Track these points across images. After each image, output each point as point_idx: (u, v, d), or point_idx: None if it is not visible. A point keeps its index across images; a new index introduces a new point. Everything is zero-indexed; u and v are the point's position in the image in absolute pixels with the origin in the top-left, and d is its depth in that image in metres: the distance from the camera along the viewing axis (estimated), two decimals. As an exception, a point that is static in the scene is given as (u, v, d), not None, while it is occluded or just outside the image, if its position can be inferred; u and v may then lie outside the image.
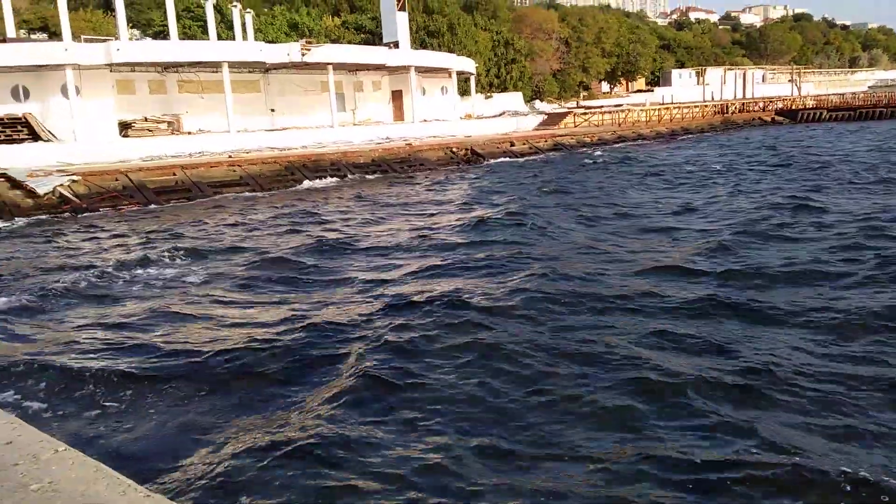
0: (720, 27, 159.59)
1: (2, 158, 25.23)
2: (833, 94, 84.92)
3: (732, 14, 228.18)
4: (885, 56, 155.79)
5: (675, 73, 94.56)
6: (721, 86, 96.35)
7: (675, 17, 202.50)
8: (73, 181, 23.44)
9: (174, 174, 26.28)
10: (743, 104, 75.04)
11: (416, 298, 9.81)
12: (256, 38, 42.64)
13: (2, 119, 29.64)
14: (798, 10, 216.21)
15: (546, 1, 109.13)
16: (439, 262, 12.47)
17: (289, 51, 36.72)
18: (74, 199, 22.81)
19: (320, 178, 29.82)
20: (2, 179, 22.73)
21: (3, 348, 8.47)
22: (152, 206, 23.83)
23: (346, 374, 7.20)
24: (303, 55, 36.70)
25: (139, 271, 12.82)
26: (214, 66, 35.23)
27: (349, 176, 30.86)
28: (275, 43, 41.29)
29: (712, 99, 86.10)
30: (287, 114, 41.65)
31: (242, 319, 9.55)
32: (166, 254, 14.06)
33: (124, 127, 33.29)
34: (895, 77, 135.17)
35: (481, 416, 6.16)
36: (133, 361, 7.86)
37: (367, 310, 9.56)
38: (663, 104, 71.64)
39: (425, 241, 14.83)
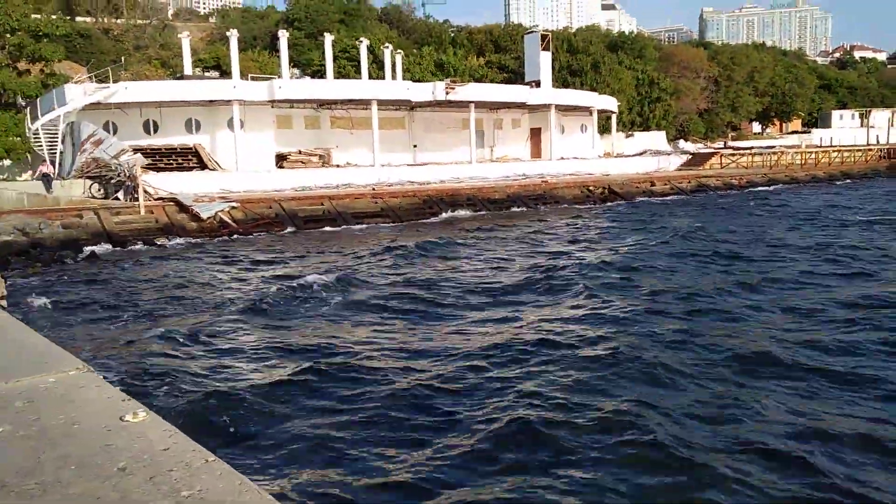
0: (889, 66, 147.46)
1: (173, 184, 27.91)
2: None
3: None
4: None
5: (835, 114, 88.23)
6: (889, 129, 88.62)
7: (837, 55, 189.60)
8: (233, 207, 25.48)
9: (322, 204, 27.88)
10: (915, 149, 68.50)
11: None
12: (404, 77, 44.61)
13: (176, 149, 32.87)
14: None
15: (695, 39, 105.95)
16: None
17: (434, 90, 38.10)
18: (232, 223, 24.76)
19: (454, 210, 30.47)
20: (171, 203, 25.14)
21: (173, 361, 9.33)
22: (301, 231, 25.37)
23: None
24: (447, 94, 37.92)
25: (294, 294, 13.72)
26: (364, 103, 37.20)
27: (483, 211, 31.28)
28: (421, 82, 43.00)
29: (877, 142, 79.36)
30: (428, 149, 43.03)
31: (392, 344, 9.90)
32: (318, 279, 14.94)
33: (280, 159, 35.81)
34: None
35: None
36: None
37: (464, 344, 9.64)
38: (821, 146, 66.96)
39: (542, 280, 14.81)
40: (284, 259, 19.13)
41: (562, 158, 45.23)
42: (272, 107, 35.89)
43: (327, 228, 26.22)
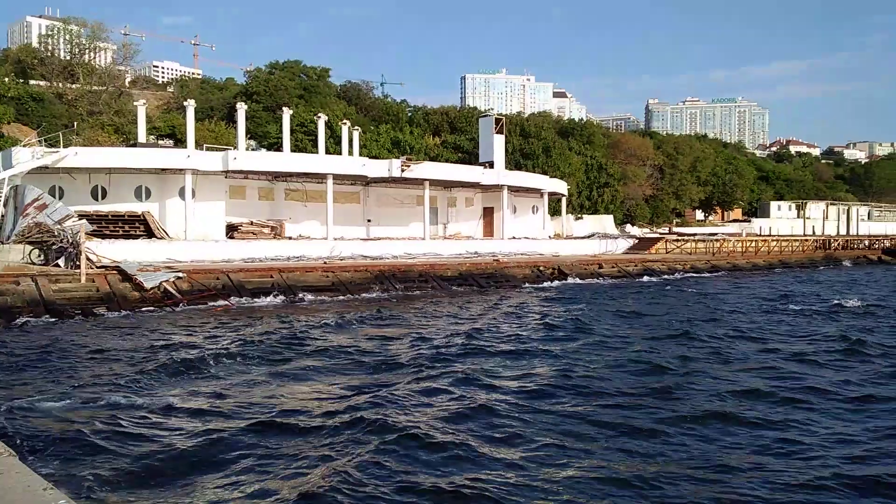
0: (822, 161, 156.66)
1: (118, 252, 27.24)
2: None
3: (835, 149, 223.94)
4: None
5: (773, 204, 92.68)
6: (823, 220, 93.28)
7: (774, 149, 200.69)
8: (179, 277, 24.90)
9: (271, 276, 27.50)
10: (847, 241, 72.07)
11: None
12: (361, 153, 45.26)
13: (123, 215, 32.28)
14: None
15: (641, 129, 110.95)
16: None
17: (390, 166, 38.67)
18: (177, 294, 24.14)
19: (406, 285, 30.42)
20: (114, 272, 24.45)
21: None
22: (248, 304, 24.85)
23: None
24: (403, 171, 38.51)
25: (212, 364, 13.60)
26: (320, 177, 37.44)
27: (435, 287, 31.31)
28: (378, 158, 43.64)
29: (813, 233, 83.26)
30: (382, 224, 43.30)
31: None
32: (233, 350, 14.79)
33: (231, 229, 35.45)
34: None
35: None
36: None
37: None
38: (761, 235, 69.80)
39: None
40: (219, 330, 18.66)
41: (513, 238, 45.99)
42: (226, 177, 35.78)
43: (272, 301, 25.76)
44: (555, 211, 56.14)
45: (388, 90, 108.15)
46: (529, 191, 49.50)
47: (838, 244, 68.61)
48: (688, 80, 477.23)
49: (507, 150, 51.73)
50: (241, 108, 38.01)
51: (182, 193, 33.50)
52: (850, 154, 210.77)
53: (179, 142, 44.68)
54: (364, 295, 28.33)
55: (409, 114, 70.09)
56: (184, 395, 11.40)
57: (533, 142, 61.14)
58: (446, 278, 32.82)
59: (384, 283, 30.36)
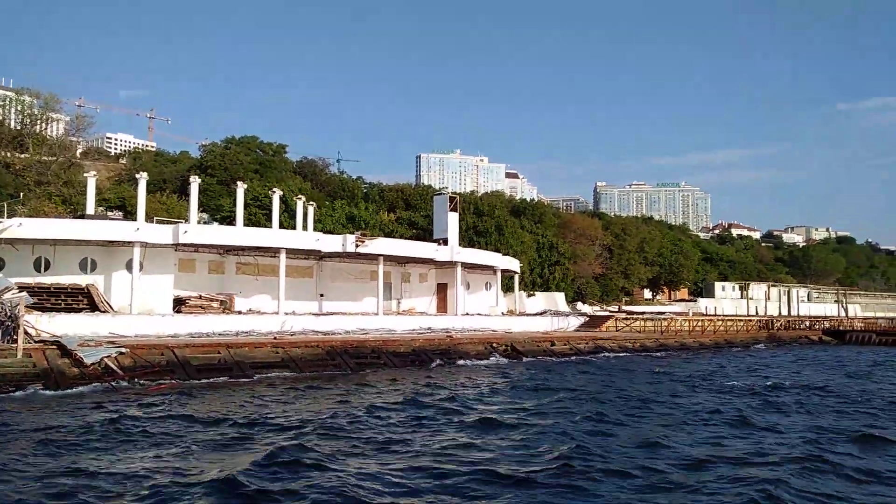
0: (763, 244, 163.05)
1: (59, 326, 26.25)
2: (881, 318, 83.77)
3: (775, 232, 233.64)
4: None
5: (718, 285, 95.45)
6: (765, 301, 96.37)
7: (717, 231, 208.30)
8: (121, 353, 24.03)
9: (219, 352, 26.76)
10: (789, 321, 74.33)
11: None
12: (316, 228, 45.27)
13: (66, 288, 31.28)
14: (841, 233, 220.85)
15: (590, 210, 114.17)
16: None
17: (344, 242, 38.71)
18: (118, 371, 23.22)
19: (358, 361, 29.93)
20: (54, 346, 23.48)
21: None
22: (191, 382, 24.02)
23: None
24: (357, 246, 38.57)
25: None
26: (273, 251, 37.17)
27: (387, 365, 30.88)
28: (332, 233, 43.69)
29: (756, 313, 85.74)
30: (335, 299, 42.95)
31: None
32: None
33: (179, 303, 34.63)
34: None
35: None
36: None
37: None
38: (706, 315, 71.47)
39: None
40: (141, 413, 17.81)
41: (467, 314, 46.05)
42: (176, 250, 35.23)
43: (222, 379, 24.98)
44: (508, 288, 56.64)
45: (345, 167, 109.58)
46: (483, 268, 49.99)
47: (781, 325, 70.64)
48: (634, 165, 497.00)
49: (460, 228, 52.47)
50: (195, 182, 37.87)
51: (129, 266, 32.76)
52: (788, 238, 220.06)
53: (129, 214, 44.00)
54: (315, 372, 27.75)
55: (365, 190, 70.85)
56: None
57: (486, 220, 62.20)
58: (399, 354, 32.46)
59: (336, 359, 29.84)
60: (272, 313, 36.13)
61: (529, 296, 59.09)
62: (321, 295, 42.73)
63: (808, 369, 36.32)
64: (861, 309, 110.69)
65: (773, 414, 19.69)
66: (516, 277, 55.04)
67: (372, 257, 40.70)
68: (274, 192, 42.32)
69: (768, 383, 27.68)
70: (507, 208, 75.16)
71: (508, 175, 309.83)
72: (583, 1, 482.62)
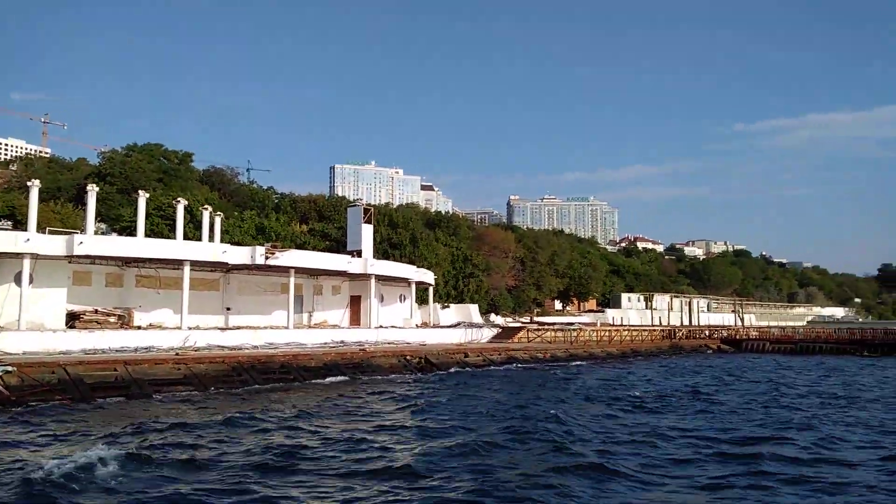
0: (666, 257, 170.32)
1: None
2: (774, 327, 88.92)
3: (677, 246, 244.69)
4: (821, 294, 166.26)
5: (624, 296, 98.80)
6: (668, 311, 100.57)
7: (623, 244, 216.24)
8: (7, 372, 22.31)
9: (115, 370, 25.29)
10: (690, 330, 77.66)
11: None
12: (223, 239, 43.72)
13: (-55, 302, 28.85)
14: (738, 247, 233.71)
15: (504, 223, 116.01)
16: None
17: (253, 254, 37.56)
18: (4, 391, 21.54)
19: (265, 376, 28.99)
20: (-72, 365, 21.53)
21: None
22: (85, 401, 22.56)
23: None
24: (267, 258, 37.50)
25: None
26: (176, 263, 35.61)
27: (297, 379, 30.06)
28: (241, 245, 42.36)
29: (660, 323, 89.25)
30: (243, 313, 41.61)
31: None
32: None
33: (72, 318, 32.62)
34: (831, 314, 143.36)
35: None
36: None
37: None
38: (613, 325, 73.76)
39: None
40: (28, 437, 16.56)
41: (381, 327, 45.61)
42: (70, 262, 33.20)
43: (119, 398, 23.59)
44: (422, 300, 56.54)
45: (255, 176, 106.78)
46: (397, 280, 49.71)
47: (682, 334, 73.70)
48: (546, 180, 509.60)
49: (375, 240, 52.04)
50: (92, 190, 35.90)
51: (18, 279, 30.60)
52: (689, 251, 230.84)
53: (20, 223, 41.14)
54: (220, 388, 26.66)
55: (276, 201, 69.15)
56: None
57: (401, 232, 61.96)
58: (310, 369, 31.69)
59: (243, 374, 28.80)
60: (174, 328, 34.60)
61: (444, 308, 59.23)
62: (228, 308, 41.30)
63: (701, 377, 38.03)
64: (756, 318, 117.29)
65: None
66: (431, 289, 55.05)
67: (283, 270, 39.70)
68: (178, 201, 40.63)
69: (636, 393, 28.33)
70: (423, 220, 75.21)
71: (424, 187, 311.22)
72: (494, 22, 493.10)
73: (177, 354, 28.89)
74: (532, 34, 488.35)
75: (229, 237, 47.71)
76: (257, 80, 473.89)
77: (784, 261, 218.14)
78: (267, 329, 38.47)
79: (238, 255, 37.57)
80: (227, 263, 37.50)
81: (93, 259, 34.18)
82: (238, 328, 37.80)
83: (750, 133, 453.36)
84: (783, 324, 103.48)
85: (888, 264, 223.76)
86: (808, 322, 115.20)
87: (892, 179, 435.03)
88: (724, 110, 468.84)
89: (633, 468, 13.82)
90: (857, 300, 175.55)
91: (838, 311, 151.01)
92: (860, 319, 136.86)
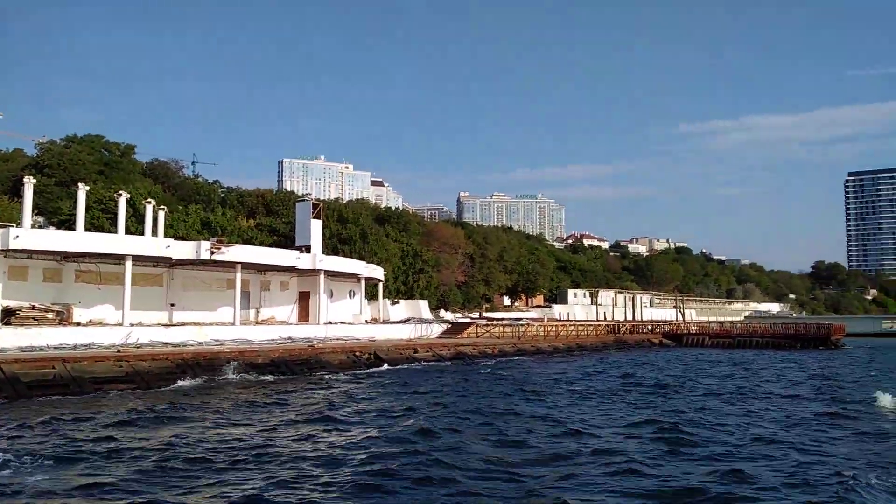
0: (611, 254, 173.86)
1: None
2: (713, 322, 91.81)
3: (622, 243, 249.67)
4: (758, 290, 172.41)
5: (570, 292, 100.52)
6: (613, 307, 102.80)
7: (570, 241, 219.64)
8: (-65, 369, 21.44)
9: (54, 367, 24.54)
10: (633, 326, 79.63)
11: None
12: (167, 234, 42.72)
13: None
14: (679, 244, 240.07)
15: (454, 219, 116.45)
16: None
17: (198, 248, 36.90)
18: (-69, 389, 20.69)
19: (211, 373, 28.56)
20: None
21: None
22: (22, 400, 21.85)
23: None
24: (212, 253, 36.89)
25: None
26: (118, 258, 34.71)
27: (246, 376, 29.71)
28: (185, 239, 41.48)
29: (605, 318, 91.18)
30: (188, 309, 40.82)
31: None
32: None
33: (8, 314, 31.48)
34: (768, 309, 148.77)
35: None
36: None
37: None
38: (560, 321, 75.01)
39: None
40: None
41: (330, 323, 45.37)
42: (5, 257, 32.02)
43: (57, 396, 22.93)
44: (372, 295, 56.40)
45: (200, 170, 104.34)
46: (347, 276, 49.49)
47: (626, 328, 75.54)
48: (496, 177, 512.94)
49: (324, 235, 51.69)
50: (29, 182, 34.63)
51: (-53, 273, 29.38)
52: (633, 248, 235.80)
53: (-51, 215, 39.41)
54: (164, 386, 26.16)
55: (223, 195, 67.82)
56: None
57: (350, 227, 61.62)
58: (257, 365, 31.34)
59: (187, 372, 28.30)
60: (116, 324, 33.75)
61: (394, 303, 59.25)
62: (172, 304, 40.46)
63: (642, 369, 39.15)
64: (696, 314, 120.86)
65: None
66: (381, 285, 54.99)
67: (229, 265, 39.11)
68: (120, 194, 39.58)
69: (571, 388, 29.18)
70: (373, 216, 74.93)
71: (374, 183, 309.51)
72: (448, 18, 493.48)
73: (118, 351, 28.19)
74: (484, 32, 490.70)
75: (173, 231, 46.65)
76: (204, 73, 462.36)
77: (723, 258, 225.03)
78: (213, 325, 37.84)
79: (182, 249, 36.84)
80: (171, 258, 36.73)
81: (30, 253, 33.02)
82: (183, 324, 37.07)
83: (692, 134, 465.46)
84: (722, 319, 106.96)
85: (821, 262, 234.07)
86: (745, 317, 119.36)
87: (821, 180, 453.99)
88: (669, 110, 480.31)
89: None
90: (792, 296, 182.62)
91: (774, 307, 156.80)
92: (794, 315, 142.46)
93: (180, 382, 26.90)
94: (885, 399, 23.98)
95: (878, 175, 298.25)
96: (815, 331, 71.36)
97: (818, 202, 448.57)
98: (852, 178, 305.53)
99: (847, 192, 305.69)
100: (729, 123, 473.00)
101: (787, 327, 75.76)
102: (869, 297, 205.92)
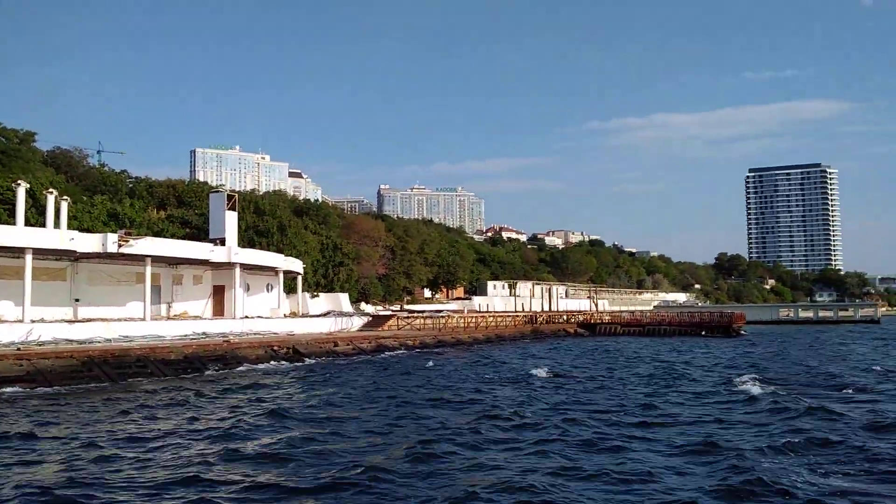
0: (529, 246, 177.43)
1: None
2: (625, 311, 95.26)
3: (539, 236, 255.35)
4: (666, 280, 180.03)
5: (490, 284, 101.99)
6: (530, 298, 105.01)
7: (489, 234, 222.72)
8: None
9: (-56, 367, 22.96)
10: (549, 316, 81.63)
11: None
12: (71, 226, 40.54)
13: None
14: (593, 237, 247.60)
15: (374, 212, 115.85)
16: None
17: (105, 241, 35.28)
18: None
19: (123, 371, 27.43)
20: None
21: None
22: None
23: None
24: (120, 246, 35.34)
25: None
26: (16, 252, 32.75)
27: (154, 374, 28.66)
28: (91, 231, 39.53)
29: (523, 309, 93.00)
30: (94, 304, 38.99)
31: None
32: None
33: None
34: (675, 299, 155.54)
35: None
36: None
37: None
38: (479, 312, 76.03)
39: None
40: None
41: (246, 317, 44.33)
42: None
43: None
44: (291, 289, 55.43)
45: (107, 159, 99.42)
46: (264, 269, 48.45)
47: (543, 319, 77.32)
48: (416, 169, 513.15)
49: (240, 227, 50.35)
50: (-86, 169, 32.15)
51: None
52: (550, 241, 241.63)
53: None
54: (68, 385, 24.91)
55: (131, 185, 64.92)
56: None
57: (268, 219, 60.29)
58: (169, 362, 30.30)
59: (94, 370, 27.06)
60: (15, 321, 31.85)
61: (313, 297, 58.42)
62: (77, 300, 38.52)
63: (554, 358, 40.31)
64: (609, 304, 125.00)
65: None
66: (300, 278, 54.14)
67: (138, 258, 37.57)
68: (18, 184, 37.23)
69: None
70: (291, 208, 73.58)
71: (292, 174, 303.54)
72: (367, 10, 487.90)
73: (18, 350, 26.66)
74: (405, 27, 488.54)
75: (78, 223, 44.32)
76: (111, 57, 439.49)
77: (634, 250, 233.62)
78: (122, 321, 36.29)
79: (88, 242, 35.12)
80: (75, 252, 34.95)
81: (-86, 246, 30.71)
82: (89, 321, 35.37)
83: (604, 131, 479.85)
84: (633, 308, 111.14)
85: (723, 253, 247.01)
86: (654, 307, 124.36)
87: (724, 176, 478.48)
88: (581, 108, 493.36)
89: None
90: (697, 286, 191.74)
91: (681, 297, 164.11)
92: (699, 304, 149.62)
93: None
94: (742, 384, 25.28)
95: (776, 172, 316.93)
96: (718, 319, 75.21)
97: (722, 197, 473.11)
98: (752, 174, 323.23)
99: (748, 188, 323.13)
100: (639, 121, 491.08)
101: (693, 316, 79.53)
102: (767, 287, 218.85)
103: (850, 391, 23.85)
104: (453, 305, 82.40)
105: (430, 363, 35.80)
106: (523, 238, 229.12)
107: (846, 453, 13.52)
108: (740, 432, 15.97)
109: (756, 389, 23.48)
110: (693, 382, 27.01)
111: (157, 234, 46.09)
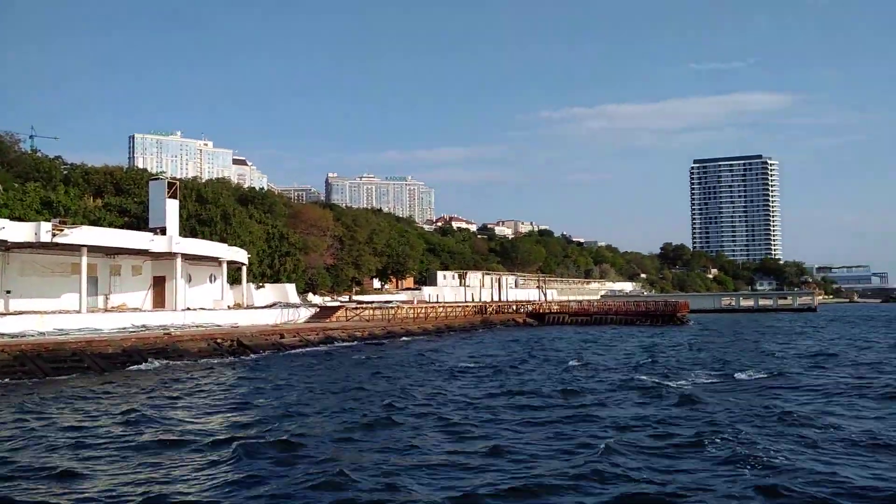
0: (479, 236, 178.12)
1: None
2: (573, 301, 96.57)
3: (489, 225, 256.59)
4: (613, 270, 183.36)
5: (440, 274, 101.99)
6: (480, 288, 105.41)
7: (439, 224, 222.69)
8: None
9: None
10: (499, 306, 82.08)
11: None
12: (2, 215, 38.68)
13: None
14: (542, 227, 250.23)
15: (322, 200, 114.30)
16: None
17: (38, 230, 33.77)
18: None
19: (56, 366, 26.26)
20: None
21: None
22: None
23: None
24: (54, 235, 33.86)
25: None
26: (-61, 240, 31.02)
27: (91, 368, 27.55)
28: (22, 220, 37.76)
29: (473, 299, 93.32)
30: (26, 296, 37.34)
31: None
32: None
33: None
34: (621, 288, 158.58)
35: None
36: None
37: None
38: (429, 303, 75.94)
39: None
40: None
41: (188, 309, 43.13)
42: None
43: None
44: (235, 280, 54.20)
45: (39, 144, 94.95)
46: (207, 259, 47.21)
47: (493, 309, 77.69)
48: (365, 158, 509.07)
49: (181, 216, 48.88)
50: None
51: None
52: (499, 230, 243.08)
53: None
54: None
55: (66, 172, 62.34)
56: None
57: (211, 208, 58.72)
58: (107, 356, 29.17)
59: (27, 364, 25.85)
60: (-61, 315, 30.20)
61: (259, 288, 57.28)
62: (8, 292, 36.82)
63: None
64: (557, 293, 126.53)
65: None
66: (244, 269, 52.98)
67: (73, 248, 36.08)
68: (-58, 169, 35.32)
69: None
70: (235, 196, 71.87)
71: (236, 161, 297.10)
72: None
73: (-59, 345, 25.24)
74: (355, 13, 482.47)
75: (8, 212, 42.30)
76: (43, 36, 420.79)
77: (582, 240, 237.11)
78: (56, 314, 34.82)
79: (19, 231, 33.54)
80: (6, 241, 33.36)
81: None
82: (20, 313, 33.81)
83: (552, 120, 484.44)
84: (581, 298, 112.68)
85: (668, 243, 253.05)
86: (601, 296, 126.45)
87: (669, 167, 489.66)
88: (532, 97, 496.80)
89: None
90: (643, 276, 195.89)
91: (627, 286, 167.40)
92: (645, 293, 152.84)
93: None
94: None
95: (720, 163, 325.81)
96: (663, 308, 76.88)
97: (668, 188, 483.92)
98: (697, 165, 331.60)
99: (692, 179, 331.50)
100: (589, 111, 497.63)
101: (639, 305, 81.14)
102: (711, 276, 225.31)
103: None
104: (403, 296, 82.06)
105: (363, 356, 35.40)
106: (473, 228, 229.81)
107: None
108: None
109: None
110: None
111: (93, 223, 44.34)
